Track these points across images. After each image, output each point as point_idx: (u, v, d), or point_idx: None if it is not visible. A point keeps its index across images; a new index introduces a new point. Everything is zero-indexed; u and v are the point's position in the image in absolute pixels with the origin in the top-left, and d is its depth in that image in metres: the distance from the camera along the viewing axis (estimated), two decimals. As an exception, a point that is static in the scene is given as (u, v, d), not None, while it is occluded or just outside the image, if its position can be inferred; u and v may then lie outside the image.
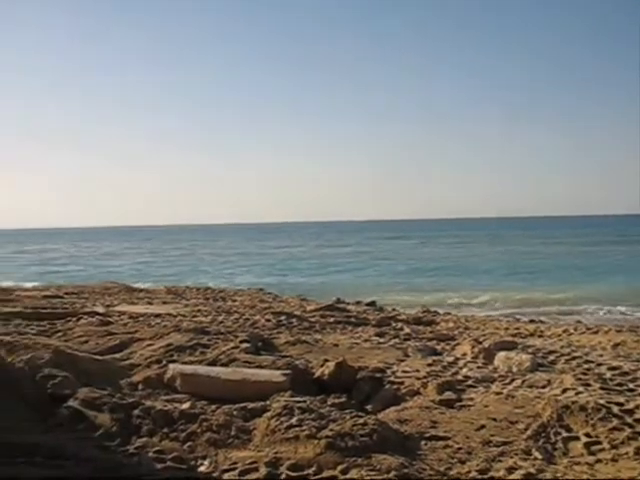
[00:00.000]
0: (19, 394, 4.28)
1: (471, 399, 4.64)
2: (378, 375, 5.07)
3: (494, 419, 4.23)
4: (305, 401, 4.39)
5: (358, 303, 12.30)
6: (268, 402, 4.38)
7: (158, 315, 7.51)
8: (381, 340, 6.77)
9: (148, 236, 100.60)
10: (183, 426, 4.10)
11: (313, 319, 8.14)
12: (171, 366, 5.00)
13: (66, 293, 10.46)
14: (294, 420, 3.98)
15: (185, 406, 4.33)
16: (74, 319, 6.73)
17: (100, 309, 7.85)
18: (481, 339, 6.70)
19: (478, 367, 5.56)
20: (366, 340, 6.74)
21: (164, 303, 9.73)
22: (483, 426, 4.11)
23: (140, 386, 4.81)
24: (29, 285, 13.58)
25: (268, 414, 4.20)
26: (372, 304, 12.26)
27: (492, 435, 3.92)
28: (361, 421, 3.88)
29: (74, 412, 4.11)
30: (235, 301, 10.92)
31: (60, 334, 5.89)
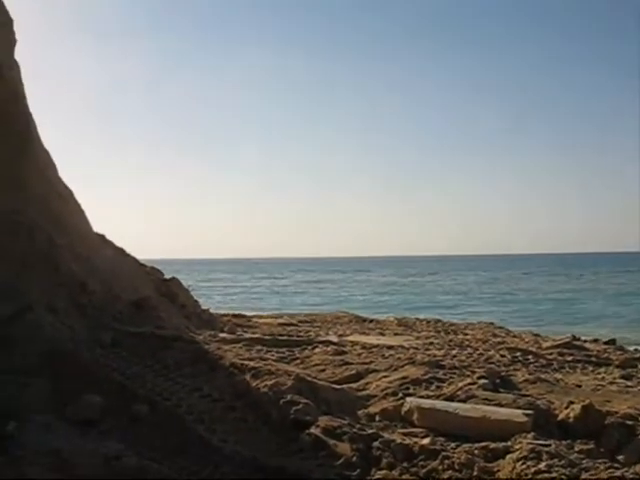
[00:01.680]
0: (263, 417, 4.82)
1: None
2: (629, 422, 4.75)
3: None
4: (551, 445, 4.27)
5: (596, 341, 12.30)
6: (510, 443, 4.33)
7: (391, 347, 7.86)
8: (629, 383, 6.64)
9: (364, 267, 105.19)
10: (423, 462, 4.15)
11: (550, 356, 8.27)
12: (408, 399, 5.13)
13: (300, 321, 11.59)
14: (542, 465, 3.89)
15: (425, 441, 4.38)
16: (310, 347, 7.38)
17: (334, 338, 8.41)
18: None
19: None
20: (611, 382, 6.64)
21: (395, 334, 10.25)
22: None
23: (377, 417, 5.02)
24: (262, 313, 15.47)
25: (513, 456, 4.09)
26: (611, 342, 12.25)
27: None
28: (618, 474, 3.73)
29: (316, 439, 4.47)
30: (466, 334, 11.17)
31: (298, 361, 6.50)
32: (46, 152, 7.98)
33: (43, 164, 7.69)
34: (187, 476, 4.05)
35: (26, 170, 7.22)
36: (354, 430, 4.50)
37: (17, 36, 7.72)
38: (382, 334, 10.06)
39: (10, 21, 7.41)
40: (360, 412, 5.11)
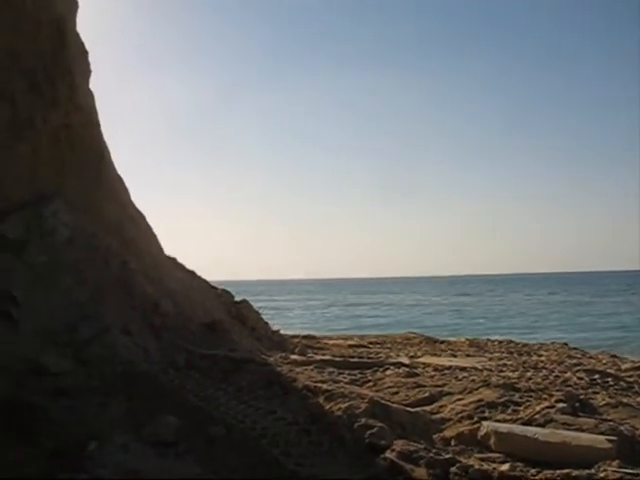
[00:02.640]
0: (338, 441, 4.95)
1: None
2: None
3: None
4: (638, 474, 4.18)
5: (679, 363, 11.58)
6: (594, 470, 4.27)
7: (464, 368, 7.83)
8: None
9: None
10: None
11: (630, 379, 8.11)
12: (485, 423, 5.13)
13: (370, 342, 11.65)
14: (632, 496, 3.85)
15: (504, 467, 4.38)
16: (381, 369, 7.46)
17: (405, 360, 8.44)
18: None
19: None
20: (697, 406, 6.32)
21: (467, 356, 10.22)
22: None
23: (453, 441, 5.05)
24: (331, 334, 15.73)
25: (596, 485, 4.06)
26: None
27: None
28: None
29: (392, 464, 4.55)
30: (540, 356, 11.01)
31: (371, 384, 6.60)
32: (119, 177, 8.53)
33: (116, 189, 8.23)
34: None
35: (101, 196, 7.75)
36: (430, 455, 4.55)
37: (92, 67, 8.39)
38: (454, 355, 10.02)
39: (85, 53, 8.04)
40: (435, 436, 5.16)
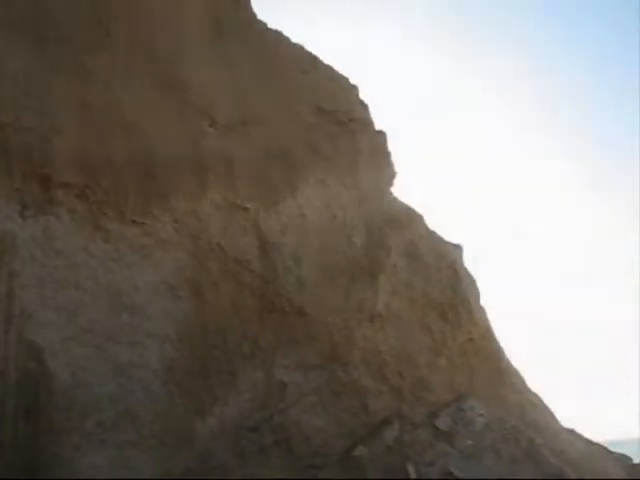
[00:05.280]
0: None
1: None
2: None
3: None
4: None
5: None
6: None
7: None
8: None
9: None
10: None
11: None
12: None
13: None
14: None
15: None
16: None
17: None
18: None
19: None
20: None
21: None
22: None
23: None
24: None
25: None
26: None
27: None
28: None
29: None
30: None
31: None
32: (515, 369, 12.10)
33: (515, 381, 11.79)
34: None
35: (504, 389, 11.40)
36: None
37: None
38: None
39: (474, 281, 12.27)
40: None
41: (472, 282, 12.25)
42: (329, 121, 10.08)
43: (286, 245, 9.46)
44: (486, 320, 12.14)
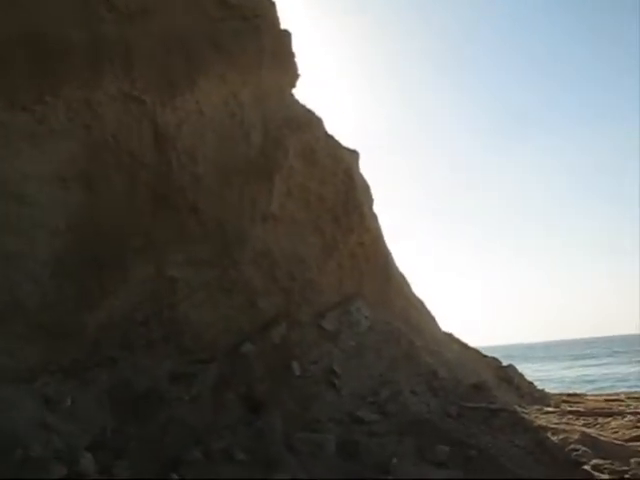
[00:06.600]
0: (552, 458, 8.64)
1: None
2: None
3: None
4: None
5: None
6: None
7: None
8: None
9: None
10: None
11: None
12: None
13: (628, 397, 14.09)
14: None
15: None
16: (621, 417, 10.46)
17: None
18: None
19: None
20: None
21: None
22: None
23: (644, 461, 8.32)
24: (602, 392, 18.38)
25: None
26: None
27: None
28: None
29: (586, 472, 8.14)
30: None
31: (598, 426, 9.73)
32: (402, 275, 13.29)
33: (401, 285, 12.98)
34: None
35: (390, 292, 12.55)
36: (613, 467, 8.02)
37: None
38: None
39: (368, 187, 13.13)
40: (632, 460, 8.47)
41: (366, 188, 13.11)
42: (233, 16, 10.22)
43: (182, 140, 9.76)
44: (377, 226, 13.13)
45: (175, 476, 7.69)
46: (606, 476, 7.89)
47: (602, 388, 29.18)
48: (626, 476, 7.79)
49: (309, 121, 12.12)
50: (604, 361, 67.39)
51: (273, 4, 11.41)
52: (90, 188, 8.81)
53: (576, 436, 8.92)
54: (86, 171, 8.76)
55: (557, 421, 10.00)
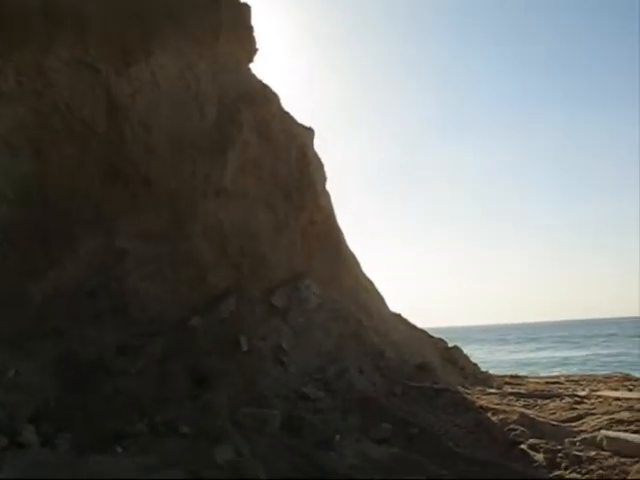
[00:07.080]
0: (492, 438, 8.96)
1: None
2: None
3: None
4: None
5: None
6: None
7: (618, 398, 10.69)
8: None
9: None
10: (587, 466, 7.84)
11: None
12: (602, 432, 8.65)
13: (567, 380, 14.70)
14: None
15: (593, 453, 8.01)
16: (559, 399, 10.91)
17: (583, 393, 11.51)
18: None
19: None
20: None
21: None
22: None
23: (577, 443, 8.69)
24: (542, 374, 19.17)
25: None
26: None
27: None
28: None
29: (522, 451, 8.46)
30: None
31: (537, 407, 10.12)
32: (352, 255, 13.44)
33: (351, 265, 13.14)
34: (439, 469, 8.46)
35: (340, 271, 12.69)
36: (548, 446, 8.35)
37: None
38: (630, 390, 12.67)
39: (322, 165, 13.22)
40: (566, 440, 8.83)
41: (320, 166, 13.20)
42: (192, -12, 10.20)
43: (136, 111, 9.72)
44: (330, 205, 13.25)
45: (119, 448, 7.70)
46: (541, 455, 8.19)
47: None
48: (559, 455, 8.09)
49: (265, 96, 12.14)
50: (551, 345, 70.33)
51: (233, -23, 11.35)
52: (39, 156, 8.71)
53: (515, 417, 9.23)
54: (35, 138, 8.66)
55: (498, 402, 10.32)
